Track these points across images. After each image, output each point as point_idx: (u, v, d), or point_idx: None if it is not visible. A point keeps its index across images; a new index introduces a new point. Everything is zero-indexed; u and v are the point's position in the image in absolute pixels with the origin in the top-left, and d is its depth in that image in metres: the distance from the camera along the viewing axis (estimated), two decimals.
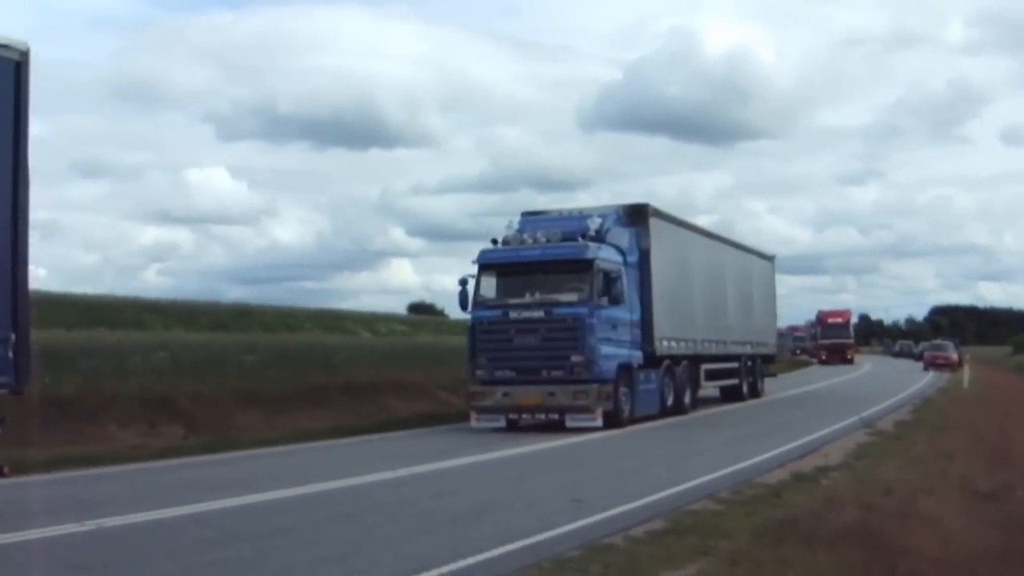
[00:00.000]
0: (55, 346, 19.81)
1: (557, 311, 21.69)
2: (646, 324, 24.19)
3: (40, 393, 16.23)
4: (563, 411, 21.59)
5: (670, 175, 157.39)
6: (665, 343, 24.83)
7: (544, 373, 21.64)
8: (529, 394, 21.67)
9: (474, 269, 22.99)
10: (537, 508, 11.02)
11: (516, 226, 23.46)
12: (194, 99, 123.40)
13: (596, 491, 12.18)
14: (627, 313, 23.02)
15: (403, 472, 14.24)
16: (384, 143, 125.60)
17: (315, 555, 8.57)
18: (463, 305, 22.76)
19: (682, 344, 26.22)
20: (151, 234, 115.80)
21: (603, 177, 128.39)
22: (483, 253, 22.80)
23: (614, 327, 22.23)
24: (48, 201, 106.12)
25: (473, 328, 22.35)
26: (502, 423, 22.04)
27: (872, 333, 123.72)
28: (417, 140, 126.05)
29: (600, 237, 22.81)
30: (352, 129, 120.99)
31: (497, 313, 22.10)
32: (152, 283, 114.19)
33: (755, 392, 33.08)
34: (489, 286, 22.76)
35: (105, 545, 9.26)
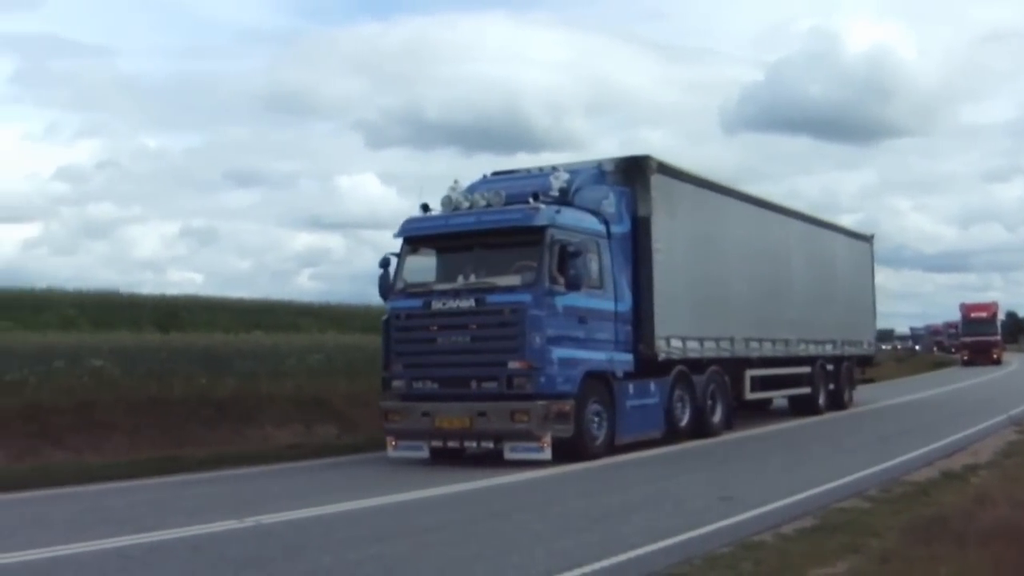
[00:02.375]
0: (213, 349, 22.13)
1: (492, 299, 15.16)
2: (642, 318, 17.59)
3: (199, 394, 19.14)
4: (498, 438, 14.79)
5: (813, 175, 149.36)
6: (674, 344, 18.08)
7: (474, 385, 15.17)
8: (454, 414, 15.41)
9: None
10: None
11: (463, 188, 16.52)
12: (344, 108, 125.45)
13: None
14: (606, 302, 16.56)
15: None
16: (530, 147, 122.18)
17: (469, 552, 8.50)
18: (382, 293, 16.12)
19: (708, 345, 19.56)
20: (303, 240, 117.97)
21: (746, 177, 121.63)
22: (406, 223, 16.44)
23: (581, 321, 15.63)
24: (204, 209, 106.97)
25: (387, 324, 15.78)
26: (424, 453, 15.46)
27: (1020, 330, 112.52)
28: (563, 144, 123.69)
29: (565, 198, 15.81)
30: (498, 134, 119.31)
31: (417, 304, 15.68)
32: (305, 287, 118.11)
33: (839, 402, 25.74)
34: (415, 267, 16.21)
35: (264, 541, 9.28)
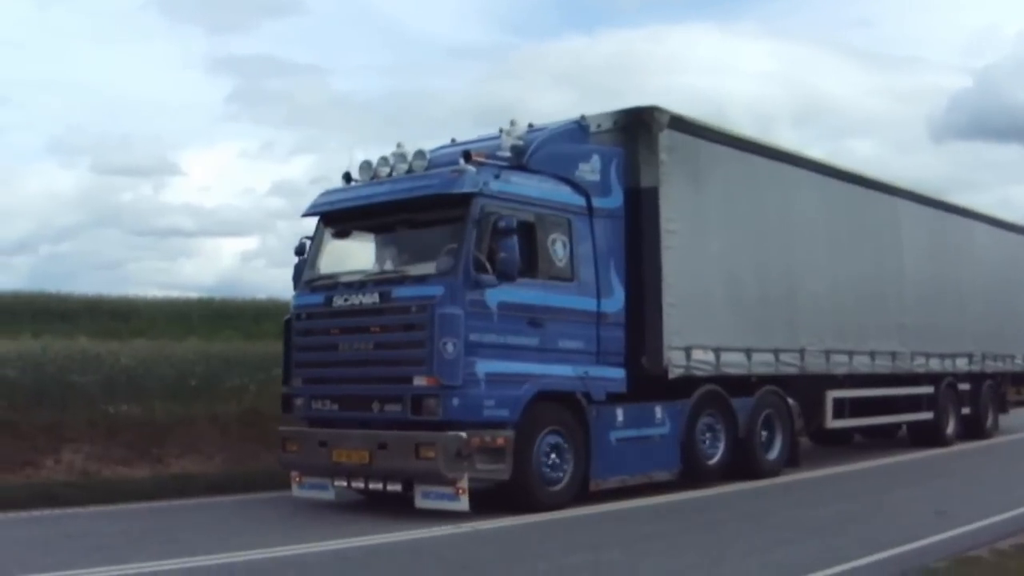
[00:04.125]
0: None
1: (398, 293, 11.10)
2: (644, 321, 12.95)
3: None
4: (403, 479, 10.77)
5: None
6: (697, 356, 13.62)
7: (376, 408, 11.06)
8: (352, 446, 11.44)
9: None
10: None
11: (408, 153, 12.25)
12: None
13: None
14: (581, 299, 12.24)
15: None
16: None
17: (684, 562, 8.32)
18: (296, 285, 12.09)
19: (759, 358, 14.78)
20: None
21: (955, 186, 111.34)
22: (317, 198, 12.15)
23: (532, 323, 11.53)
24: None
25: (288, 325, 11.62)
26: (330, 494, 11.74)
27: None
28: None
29: (520, 160, 11.30)
30: None
31: (318, 299, 11.49)
32: None
33: (978, 430, 20.25)
34: (331, 254, 11.97)
35: (481, 546, 9.31)
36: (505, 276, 10.76)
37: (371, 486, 11.09)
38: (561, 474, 11.20)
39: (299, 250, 12.44)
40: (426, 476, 10.55)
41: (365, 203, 11.68)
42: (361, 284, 11.39)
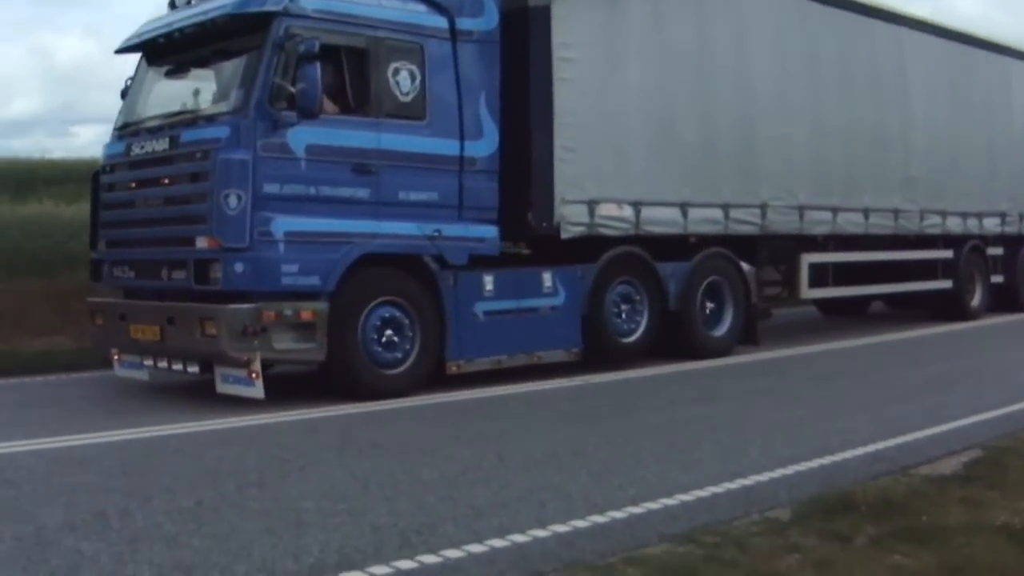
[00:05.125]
0: None
1: (187, 137, 9.09)
2: (531, 169, 10.66)
3: None
4: (196, 359, 9.15)
5: None
6: (605, 212, 11.28)
7: (165, 275, 9.12)
8: (144, 320, 9.50)
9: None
10: None
11: None
12: None
13: None
14: (435, 142, 9.97)
15: None
16: None
17: (793, 415, 8.19)
18: None
19: (699, 215, 12.30)
20: None
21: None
22: (136, 30, 10.01)
23: (359, 170, 9.36)
24: None
25: (95, 180, 9.67)
26: (143, 374, 10.01)
27: None
28: None
29: None
30: None
31: (120, 148, 9.75)
32: None
33: (1013, 302, 17.69)
34: (148, 95, 10.02)
35: (593, 398, 9.30)
36: (304, 112, 8.53)
37: (173, 366, 9.06)
38: (399, 355, 9.02)
39: (123, 93, 10.33)
40: (213, 356, 8.51)
41: (167, 31, 9.60)
42: (158, 129, 9.24)
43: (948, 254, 15.69)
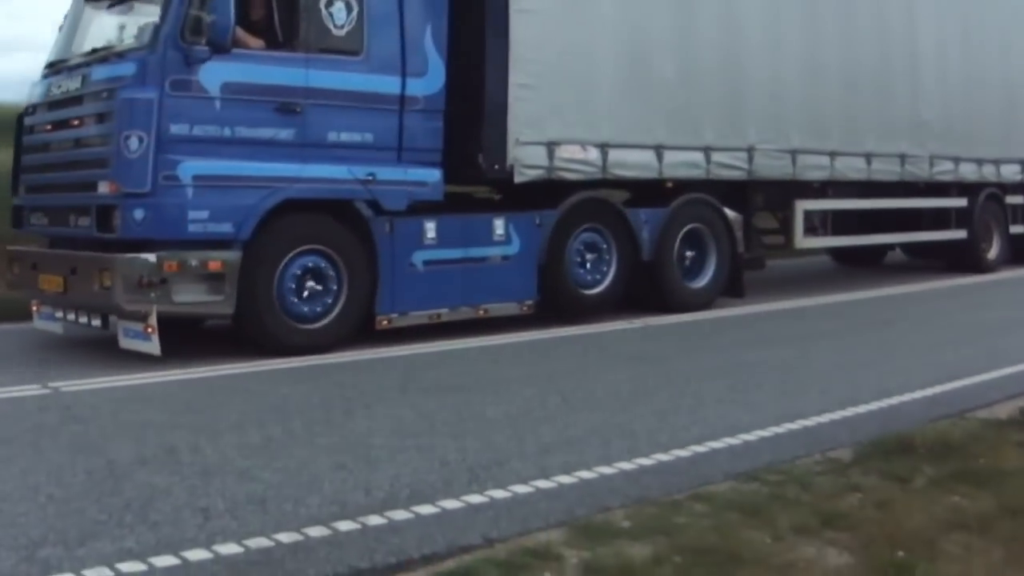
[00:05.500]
0: None
1: (96, 75, 8.51)
2: (482, 108, 9.91)
3: None
4: (97, 311, 8.56)
5: None
6: (565, 154, 10.46)
7: (72, 222, 8.55)
8: (51, 269, 8.93)
9: None
10: None
11: None
12: None
13: None
14: (375, 78, 9.18)
15: None
16: None
17: (855, 358, 8.28)
18: None
19: (673, 158, 11.36)
20: None
21: None
22: None
23: (285, 111, 8.64)
24: None
25: (19, 122, 9.45)
26: (57, 327, 9.37)
27: None
28: None
29: None
30: None
31: (43, 87, 9.34)
32: None
33: None
34: (82, 30, 9.36)
35: (653, 340, 9.45)
36: (215, 46, 7.75)
37: (80, 319, 8.45)
38: (319, 309, 8.27)
39: (61, 28, 9.67)
40: (109, 309, 7.86)
41: None
42: (75, 67, 8.57)
43: (962, 203, 14.59)
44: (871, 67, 12.89)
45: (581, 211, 10.15)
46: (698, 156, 11.14)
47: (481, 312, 9.34)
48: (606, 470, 5.11)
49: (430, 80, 9.17)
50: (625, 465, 5.20)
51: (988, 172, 14.90)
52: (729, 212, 11.47)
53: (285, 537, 4.15)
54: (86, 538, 4.10)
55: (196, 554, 3.95)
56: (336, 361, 8.03)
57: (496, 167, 9.53)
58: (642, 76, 10.62)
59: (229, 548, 4.02)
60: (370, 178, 8.71)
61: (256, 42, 8.36)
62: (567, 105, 9.98)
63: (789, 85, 11.94)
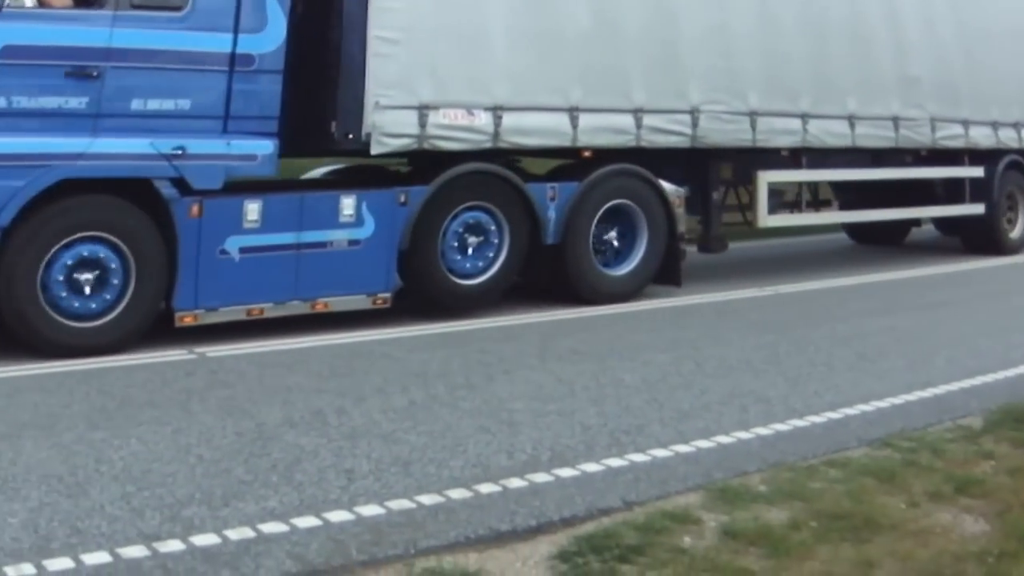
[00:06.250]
0: None
1: None
2: (337, 69, 8.56)
3: None
4: None
5: None
6: (439, 119, 8.89)
7: None
8: None
9: None
10: None
11: None
12: None
13: None
14: (200, 36, 7.76)
15: None
16: None
17: (971, 328, 8.41)
18: None
19: (591, 121, 9.75)
20: None
21: None
22: None
23: (80, 76, 7.31)
24: None
25: None
26: None
27: None
28: None
29: None
30: None
31: None
32: None
33: None
34: None
35: (779, 306, 9.54)
36: None
37: None
38: (98, 304, 7.01)
39: None
40: None
41: None
42: None
43: (977, 172, 12.55)
44: (840, 16, 11.06)
45: (463, 186, 8.60)
46: (626, 120, 9.47)
47: (320, 306, 7.85)
48: (743, 435, 5.24)
49: (268, 36, 7.81)
50: (762, 430, 5.34)
51: (1007, 137, 12.90)
52: (667, 186, 9.78)
53: (427, 499, 4.23)
54: (230, 498, 4.19)
55: (337, 515, 4.01)
56: (474, 328, 8.11)
57: (350, 136, 8.04)
58: (548, 24, 9.03)
59: (371, 509, 4.10)
60: (178, 152, 7.35)
61: (62, 0, 7.03)
62: (447, 61, 8.45)
63: (739, 38, 10.23)
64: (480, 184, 8.75)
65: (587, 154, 9.46)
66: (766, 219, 10.93)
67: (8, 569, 3.54)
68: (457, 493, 4.31)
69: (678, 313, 8.96)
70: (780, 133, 10.71)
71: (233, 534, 3.83)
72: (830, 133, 11.14)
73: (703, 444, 5.09)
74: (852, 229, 14.27)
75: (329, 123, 8.14)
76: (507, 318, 8.46)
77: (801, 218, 11.59)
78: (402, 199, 8.33)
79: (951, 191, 12.64)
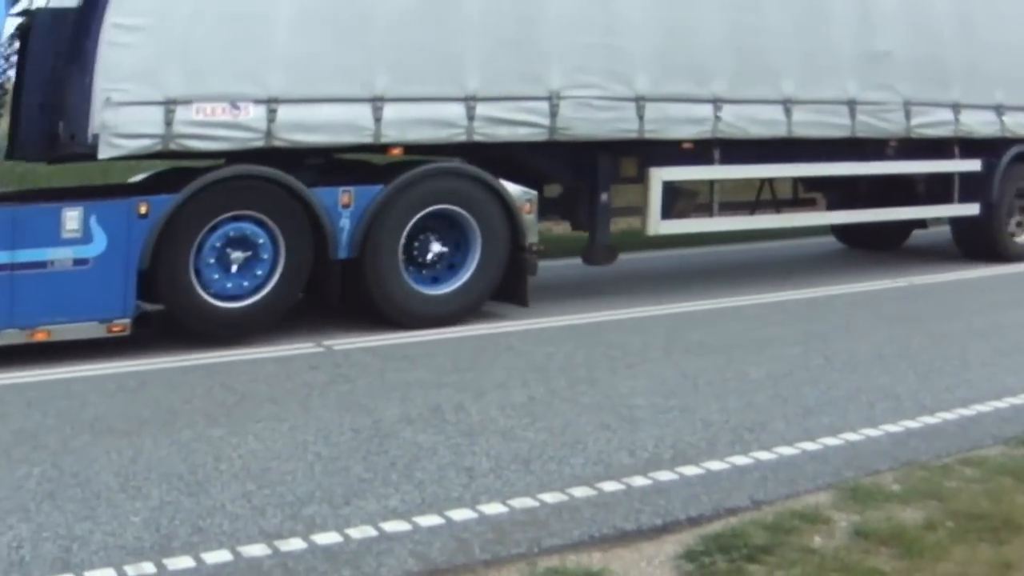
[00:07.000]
0: None
1: None
2: (74, 60, 7.49)
3: None
4: None
5: None
6: (190, 114, 7.30)
7: None
8: None
9: None
10: None
11: None
12: None
13: None
14: None
15: None
16: None
17: None
18: None
19: (395, 113, 7.88)
20: None
21: None
22: None
23: None
24: None
25: None
26: None
27: None
28: None
29: None
30: None
31: None
32: None
33: None
34: None
35: (915, 298, 10.10)
36: None
37: None
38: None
39: None
40: None
41: None
42: None
43: (973, 166, 10.53)
44: None
45: (223, 193, 7.47)
46: (453, 109, 8.39)
47: (40, 335, 6.97)
48: (872, 432, 5.65)
49: None
50: (891, 427, 5.77)
51: (1012, 123, 11.01)
52: (513, 188, 8.61)
53: (550, 497, 4.76)
54: (351, 496, 4.76)
55: (460, 513, 4.54)
56: (605, 320, 8.83)
57: (74, 137, 6.99)
58: (351, 3, 7.62)
59: (494, 508, 4.59)
60: None
61: None
62: (206, 48, 7.94)
63: (628, 7, 9.24)
64: (246, 190, 7.86)
65: (396, 151, 8.03)
66: (658, 225, 9.32)
67: (128, 568, 4.00)
68: (580, 491, 4.79)
69: (811, 305, 9.94)
70: (679, 122, 9.96)
71: (355, 532, 4.26)
72: (755, 121, 10.33)
73: (831, 441, 5.43)
74: (843, 233, 12.22)
75: (57, 124, 7.07)
76: (639, 310, 9.29)
77: (706, 224, 9.73)
78: (143, 210, 7.41)
79: (936, 189, 10.52)
